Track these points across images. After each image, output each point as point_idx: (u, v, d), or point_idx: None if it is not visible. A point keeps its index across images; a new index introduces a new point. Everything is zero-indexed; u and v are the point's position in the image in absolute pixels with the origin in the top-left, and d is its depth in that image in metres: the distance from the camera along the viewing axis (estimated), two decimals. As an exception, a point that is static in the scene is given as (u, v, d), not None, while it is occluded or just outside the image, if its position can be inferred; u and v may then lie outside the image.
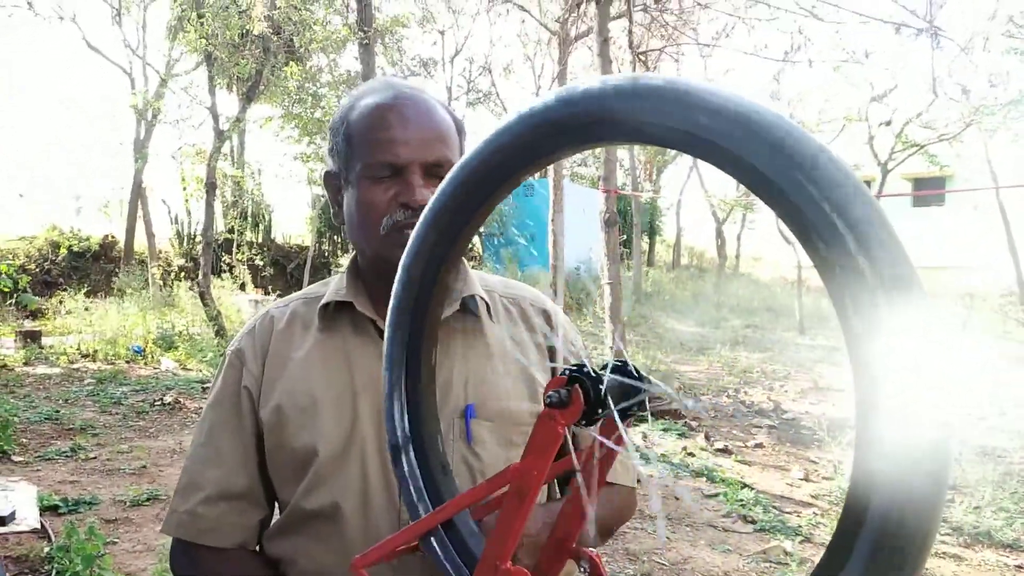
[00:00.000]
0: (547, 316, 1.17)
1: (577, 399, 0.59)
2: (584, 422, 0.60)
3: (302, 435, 1.01)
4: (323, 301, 1.08)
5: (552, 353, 1.13)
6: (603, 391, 0.60)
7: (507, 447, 1.04)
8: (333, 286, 1.10)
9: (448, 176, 0.68)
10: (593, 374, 0.60)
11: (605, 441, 0.62)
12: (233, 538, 1.05)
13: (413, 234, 0.71)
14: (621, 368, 0.62)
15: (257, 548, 1.10)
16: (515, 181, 0.65)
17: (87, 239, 14.48)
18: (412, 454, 0.77)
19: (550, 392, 0.60)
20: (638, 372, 0.62)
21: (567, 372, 0.60)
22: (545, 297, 1.22)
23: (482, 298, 1.09)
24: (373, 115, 1.03)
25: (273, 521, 1.09)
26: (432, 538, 0.75)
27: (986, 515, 4.43)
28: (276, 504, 1.10)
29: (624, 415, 0.61)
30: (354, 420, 1.01)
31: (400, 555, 0.78)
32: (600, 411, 0.60)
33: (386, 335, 0.76)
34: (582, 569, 0.73)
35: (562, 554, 0.74)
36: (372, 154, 1.02)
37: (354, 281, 1.10)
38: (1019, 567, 3.78)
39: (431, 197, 0.70)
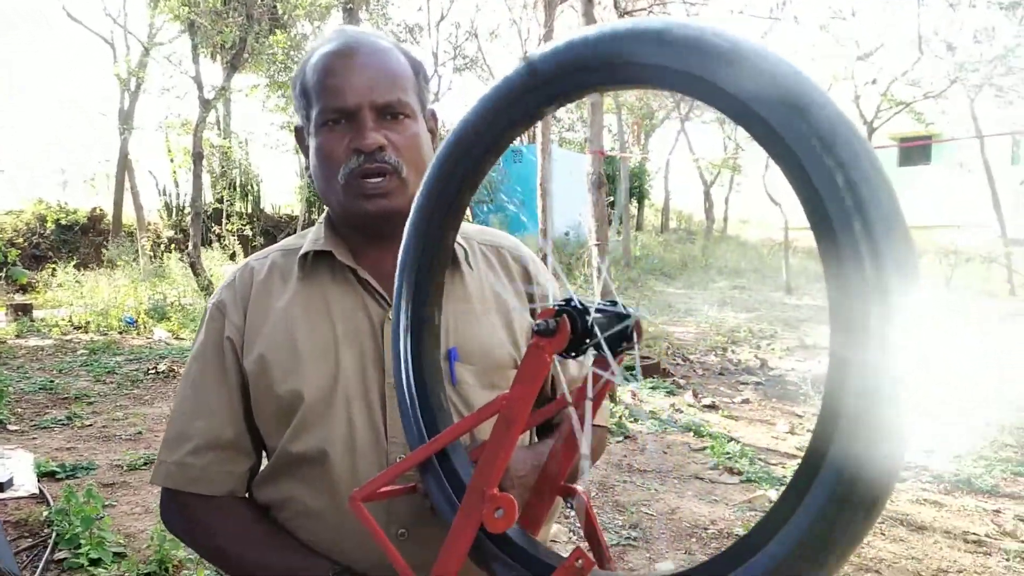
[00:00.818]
0: (524, 263, 1.18)
1: (564, 328, 0.61)
2: (572, 353, 0.62)
3: (287, 381, 1.02)
4: (302, 251, 1.08)
5: (531, 300, 1.15)
6: (590, 321, 0.61)
7: (490, 389, 1.05)
8: (311, 236, 1.11)
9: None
10: (580, 306, 0.62)
11: (600, 371, 0.63)
12: (223, 486, 1.06)
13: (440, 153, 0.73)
14: (610, 305, 0.64)
15: (247, 496, 1.11)
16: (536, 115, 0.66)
17: (75, 212, 14.38)
18: (415, 391, 0.79)
19: (538, 321, 0.61)
20: (625, 308, 0.65)
21: (555, 304, 0.62)
22: (522, 244, 1.23)
23: (460, 245, 1.11)
24: (323, 63, 1.04)
25: (261, 468, 1.11)
26: (428, 473, 0.77)
27: (966, 463, 4.55)
28: (264, 453, 1.11)
29: (612, 349, 0.63)
30: (337, 367, 1.02)
31: (398, 494, 0.80)
32: (587, 341, 0.62)
33: (396, 276, 0.79)
34: (569, 505, 0.76)
35: (551, 492, 0.76)
36: (324, 100, 1.02)
37: (331, 231, 1.10)
38: (997, 511, 3.90)
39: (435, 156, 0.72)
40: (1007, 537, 3.61)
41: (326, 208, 1.14)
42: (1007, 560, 3.37)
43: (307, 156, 1.11)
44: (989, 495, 4.11)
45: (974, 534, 3.60)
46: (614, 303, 0.65)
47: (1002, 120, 13.25)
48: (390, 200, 1.03)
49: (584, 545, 0.74)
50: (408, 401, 0.80)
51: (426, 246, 0.77)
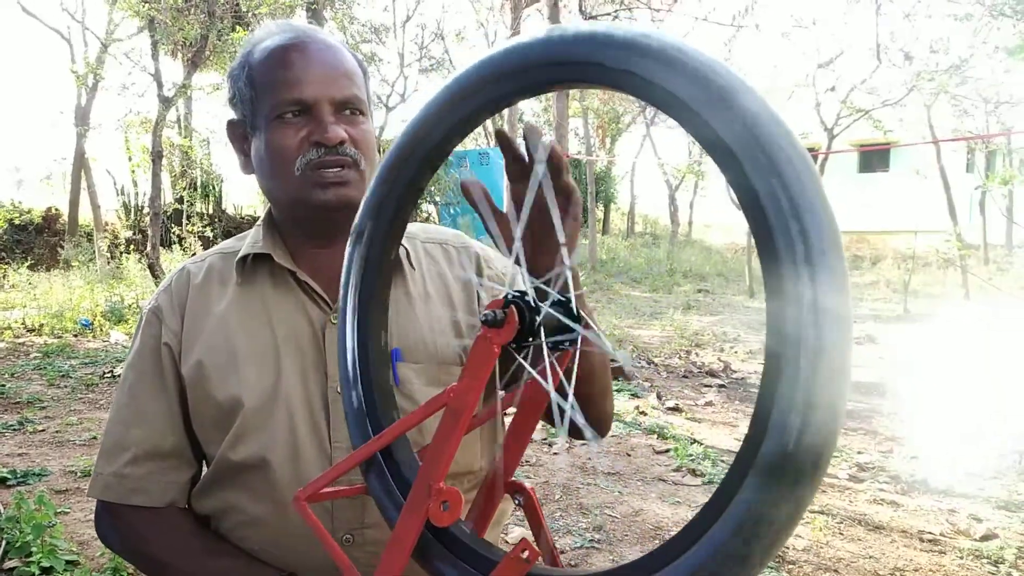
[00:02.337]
0: (472, 251, 1.17)
1: (512, 320, 0.60)
2: (514, 345, 0.61)
3: (225, 387, 1.00)
4: (240, 254, 1.06)
5: (473, 280, 1.13)
6: (537, 321, 0.60)
7: (435, 385, 1.04)
8: (249, 239, 1.09)
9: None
10: (532, 304, 0.61)
11: (532, 372, 0.62)
12: (163, 497, 1.03)
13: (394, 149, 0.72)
14: (564, 304, 0.63)
15: (187, 506, 1.08)
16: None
17: (29, 212, 14.02)
18: (360, 390, 0.78)
19: (486, 312, 0.61)
20: (578, 313, 0.63)
21: (507, 295, 0.61)
22: (465, 236, 1.21)
23: (403, 245, 1.09)
24: (276, 55, 1.01)
25: (201, 478, 1.08)
26: (372, 471, 0.75)
27: (922, 463, 4.64)
28: (204, 462, 1.09)
29: (555, 348, 0.62)
30: (278, 373, 1.00)
31: (345, 495, 0.79)
32: (531, 339, 0.61)
33: (343, 273, 0.77)
34: (517, 502, 0.75)
35: (499, 488, 0.75)
36: (279, 93, 1.00)
37: (270, 233, 1.08)
38: (952, 511, 3.98)
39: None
40: (961, 536, 3.69)
41: (266, 208, 1.11)
42: (961, 559, 3.44)
43: (242, 153, 1.08)
44: (944, 495, 4.20)
45: (929, 533, 3.67)
46: (568, 300, 0.63)
47: (958, 129, 13.61)
48: (348, 190, 1.01)
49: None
50: (354, 407, 0.78)
51: (369, 257, 0.75)
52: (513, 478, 0.76)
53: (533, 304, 0.61)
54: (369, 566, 0.96)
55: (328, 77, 1.00)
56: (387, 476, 0.75)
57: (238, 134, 1.08)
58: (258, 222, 1.11)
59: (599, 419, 1.04)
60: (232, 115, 1.09)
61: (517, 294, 0.61)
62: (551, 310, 0.62)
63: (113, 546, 1.07)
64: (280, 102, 1.00)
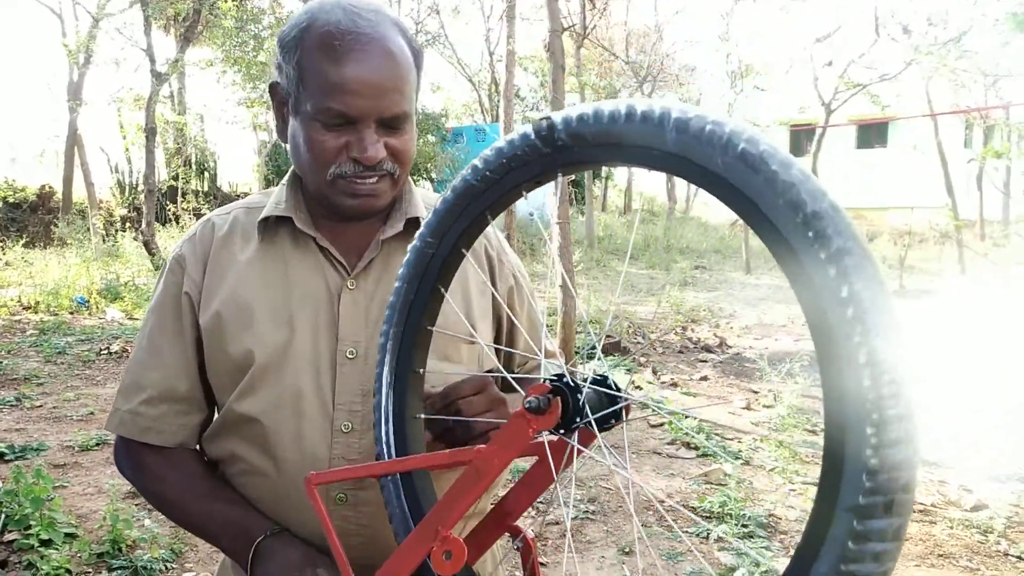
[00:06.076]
0: (487, 238, 1.17)
1: (555, 411, 0.61)
2: (562, 430, 0.62)
3: (240, 341, 1.02)
4: (262, 215, 1.07)
5: (491, 265, 1.14)
6: (581, 402, 0.61)
7: (443, 360, 1.05)
8: (273, 198, 1.09)
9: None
10: (572, 384, 0.62)
11: (584, 449, 0.63)
12: (174, 438, 1.08)
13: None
14: (601, 381, 0.64)
15: (198, 448, 1.12)
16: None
17: (23, 189, 13.95)
18: (392, 397, 0.81)
19: (530, 398, 0.61)
20: (616, 385, 0.64)
21: (548, 380, 0.61)
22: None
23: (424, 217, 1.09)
24: (331, 50, 0.96)
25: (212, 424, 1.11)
26: (389, 481, 0.79)
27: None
28: (216, 408, 1.11)
29: (601, 425, 0.63)
30: (291, 333, 1.02)
31: (353, 477, 0.83)
32: (578, 420, 0.62)
33: (392, 295, 0.80)
34: (515, 547, 0.76)
35: (500, 528, 0.77)
36: (325, 99, 0.96)
37: (294, 195, 1.08)
38: (943, 482, 4.02)
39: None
40: (952, 506, 3.73)
41: (293, 168, 1.10)
42: (951, 528, 3.48)
43: (280, 118, 1.07)
44: (936, 466, 4.24)
45: (920, 504, 3.71)
46: (604, 377, 0.64)
47: (956, 104, 13.56)
48: (378, 200, 1.02)
49: None
50: (383, 422, 0.81)
51: (418, 295, 0.79)
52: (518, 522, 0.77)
53: (574, 385, 0.62)
54: (360, 525, 1.00)
55: (379, 91, 0.96)
56: (400, 489, 0.79)
57: (279, 99, 1.05)
58: (284, 180, 1.11)
59: None
60: (277, 78, 1.05)
61: (556, 378, 0.62)
62: (592, 388, 0.62)
63: (126, 476, 1.13)
64: (324, 108, 0.96)
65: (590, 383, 0.63)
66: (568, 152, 0.61)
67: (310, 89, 0.97)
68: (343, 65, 0.95)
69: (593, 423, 0.61)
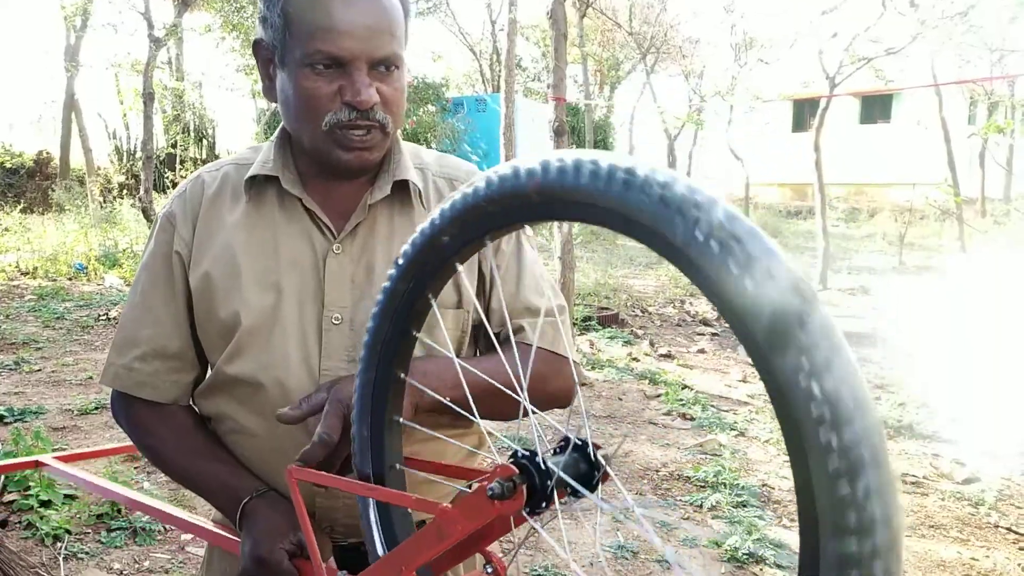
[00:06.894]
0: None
1: (520, 498, 0.57)
2: (527, 510, 0.58)
3: (228, 303, 1.02)
4: (249, 173, 1.05)
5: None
6: (550, 487, 0.58)
7: (427, 330, 1.04)
8: (261, 156, 1.07)
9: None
10: (543, 467, 0.58)
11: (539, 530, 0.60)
12: (167, 394, 1.08)
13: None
14: (580, 448, 0.60)
15: (191, 404, 1.13)
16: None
17: (20, 155, 13.87)
18: (369, 417, 0.79)
19: (492, 484, 0.58)
20: (595, 454, 0.60)
21: (517, 456, 0.58)
22: (479, 172, 1.18)
23: (415, 181, 1.07)
24: None
25: (204, 381, 1.12)
26: (370, 499, 0.80)
27: (909, 410, 4.71)
28: (208, 366, 1.12)
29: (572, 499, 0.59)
30: (277, 297, 1.02)
31: (329, 484, 0.83)
32: (544, 504, 0.58)
33: (366, 334, 0.77)
34: (487, 572, 0.74)
35: (470, 550, 0.73)
36: (314, 42, 0.94)
37: (281, 154, 1.05)
38: (936, 455, 4.05)
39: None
40: (944, 479, 3.77)
41: (282, 126, 1.08)
42: (942, 500, 3.51)
43: (267, 77, 1.04)
44: (930, 439, 4.27)
45: (913, 476, 3.74)
46: (584, 443, 0.60)
47: (961, 79, 13.45)
48: (372, 153, 1.00)
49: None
50: (360, 430, 0.80)
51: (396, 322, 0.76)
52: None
53: (544, 468, 0.58)
54: (333, 509, 1.03)
55: (369, 31, 0.95)
56: (377, 511, 0.80)
57: (264, 57, 1.03)
58: (273, 137, 1.09)
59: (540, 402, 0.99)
60: (261, 34, 1.03)
61: (526, 455, 0.58)
62: (563, 475, 0.58)
63: (122, 427, 1.14)
64: (314, 52, 0.95)
65: (563, 464, 0.58)
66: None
67: (298, 35, 0.95)
68: (332, 6, 0.93)
69: (560, 512, 0.58)
